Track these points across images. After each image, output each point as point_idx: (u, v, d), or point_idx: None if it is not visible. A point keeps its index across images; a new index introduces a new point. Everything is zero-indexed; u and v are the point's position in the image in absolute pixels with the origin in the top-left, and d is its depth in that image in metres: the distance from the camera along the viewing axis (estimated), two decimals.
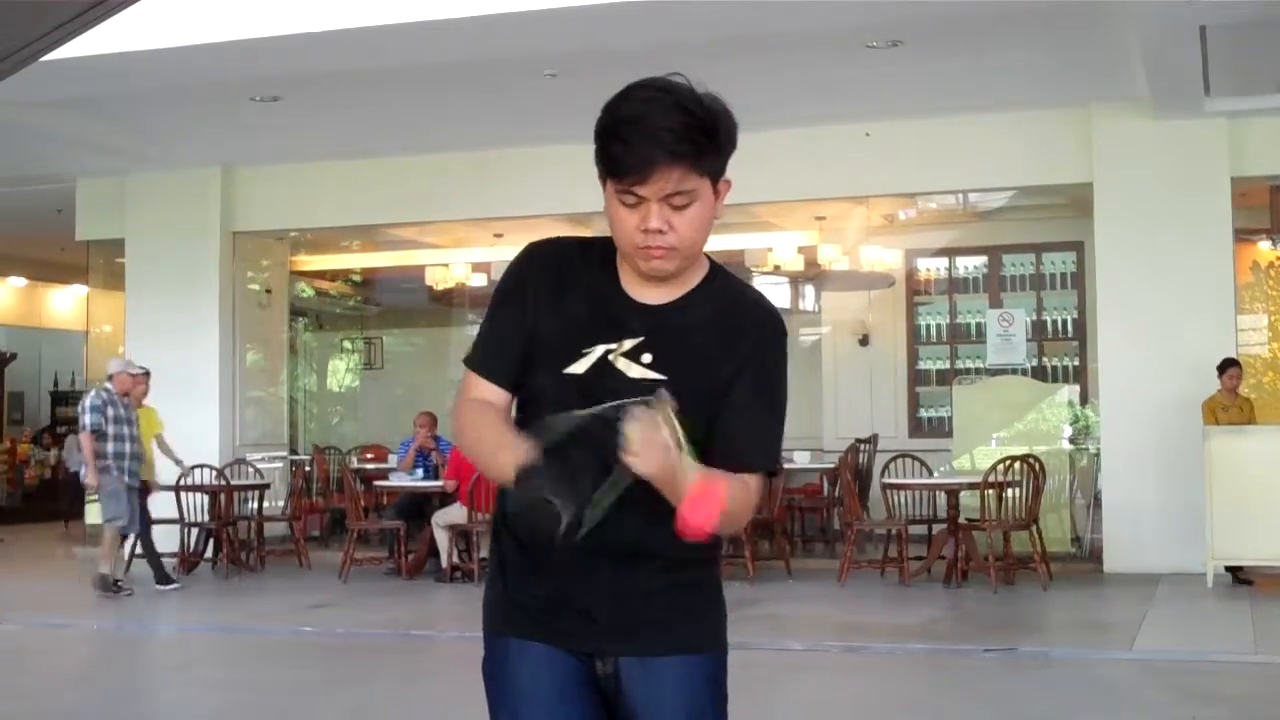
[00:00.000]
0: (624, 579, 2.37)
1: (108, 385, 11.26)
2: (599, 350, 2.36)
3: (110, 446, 11.00)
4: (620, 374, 2.34)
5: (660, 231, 2.28)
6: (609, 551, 2.34)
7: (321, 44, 9.71)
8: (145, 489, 11.56)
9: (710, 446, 2.30)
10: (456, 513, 11.47)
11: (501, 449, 2.25)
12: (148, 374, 12.12)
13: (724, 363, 2.37)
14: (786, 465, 12.28)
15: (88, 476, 11.06)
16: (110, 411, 11.07)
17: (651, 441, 2.13)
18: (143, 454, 11.43)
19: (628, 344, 2.36)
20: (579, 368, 2.35)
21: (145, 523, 11.54)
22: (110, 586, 10.88)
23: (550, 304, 2.40)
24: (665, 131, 2.23)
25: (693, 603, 2.45)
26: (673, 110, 2.25)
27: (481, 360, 2.46)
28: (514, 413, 2.46)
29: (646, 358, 2.35)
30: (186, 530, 12.40)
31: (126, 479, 11.04)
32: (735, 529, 2.45)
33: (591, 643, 2.40)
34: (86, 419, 11.00)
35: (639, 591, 2.39)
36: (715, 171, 2.32)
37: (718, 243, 2.50)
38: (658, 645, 2.40)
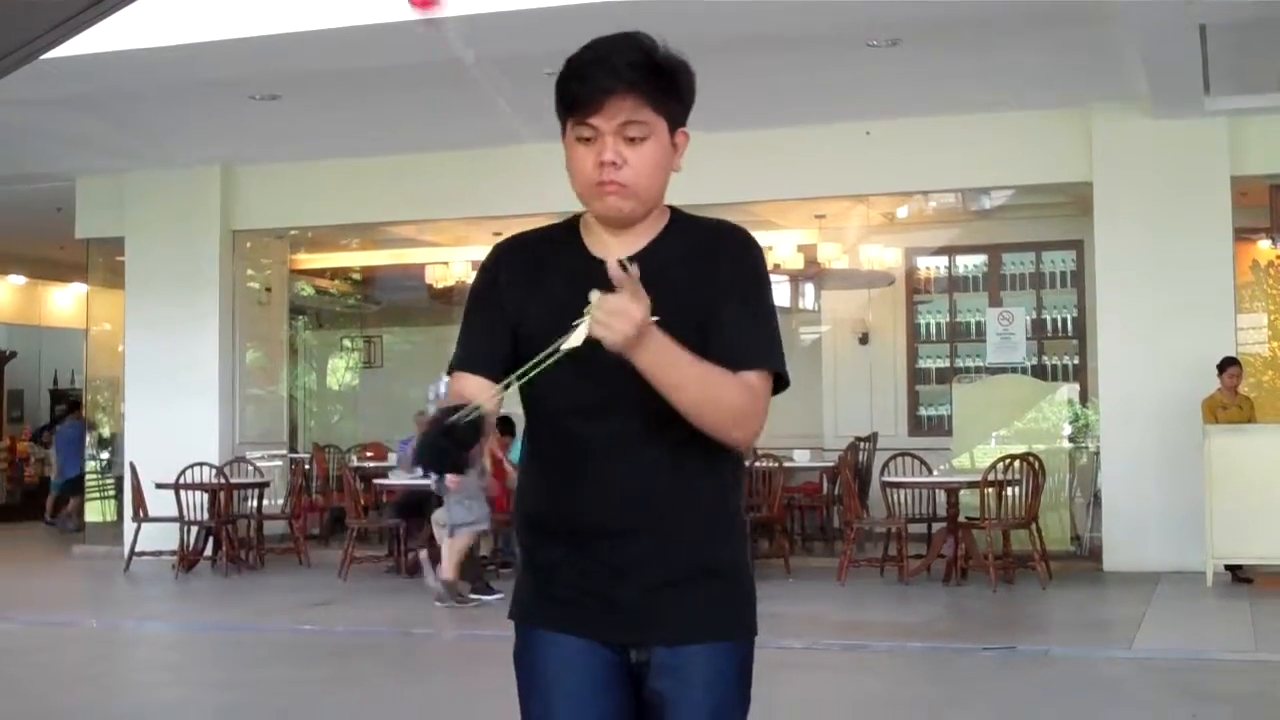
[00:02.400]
0: (653, 567, 2.39)
1: None
2: (587, 319, 2.35)
3: None
4: None
5: (614, 164, 2.32)
6: (638, 541, 2.37)
7: (321, 43, 9.71)
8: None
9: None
10: None
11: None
12: None
13: (706, 292, 2.39)
14: (786, 464, 12.26)
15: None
16: None
17: (618, 310, 2.16)
18: None
19: None
20: (575, 342, 2.33)
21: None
22: (456, 595, 10.06)
23: (527, 293, 2.44)
24: (622, 65, 2.32)
25: (722, 590, 2.44)
26: (630, 48, 2.34)
27: (463, 359, 2.46)
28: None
29: None
30: (186, 528, 12.41)
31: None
32: (739, 428, 2.35)
33: (622, 633, 2.41)
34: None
35: (668, 580, 2.39)
36: (672, 116, 2.37)
37: None
38: (688, 634, 2.41)
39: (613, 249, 2.38)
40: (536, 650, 2.45)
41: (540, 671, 2.45)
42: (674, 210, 2.48)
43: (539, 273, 2.45)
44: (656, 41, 2.37)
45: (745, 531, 2.59)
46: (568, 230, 2.48)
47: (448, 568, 10.21)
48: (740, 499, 2.54)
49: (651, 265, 2.36)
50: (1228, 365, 10.75)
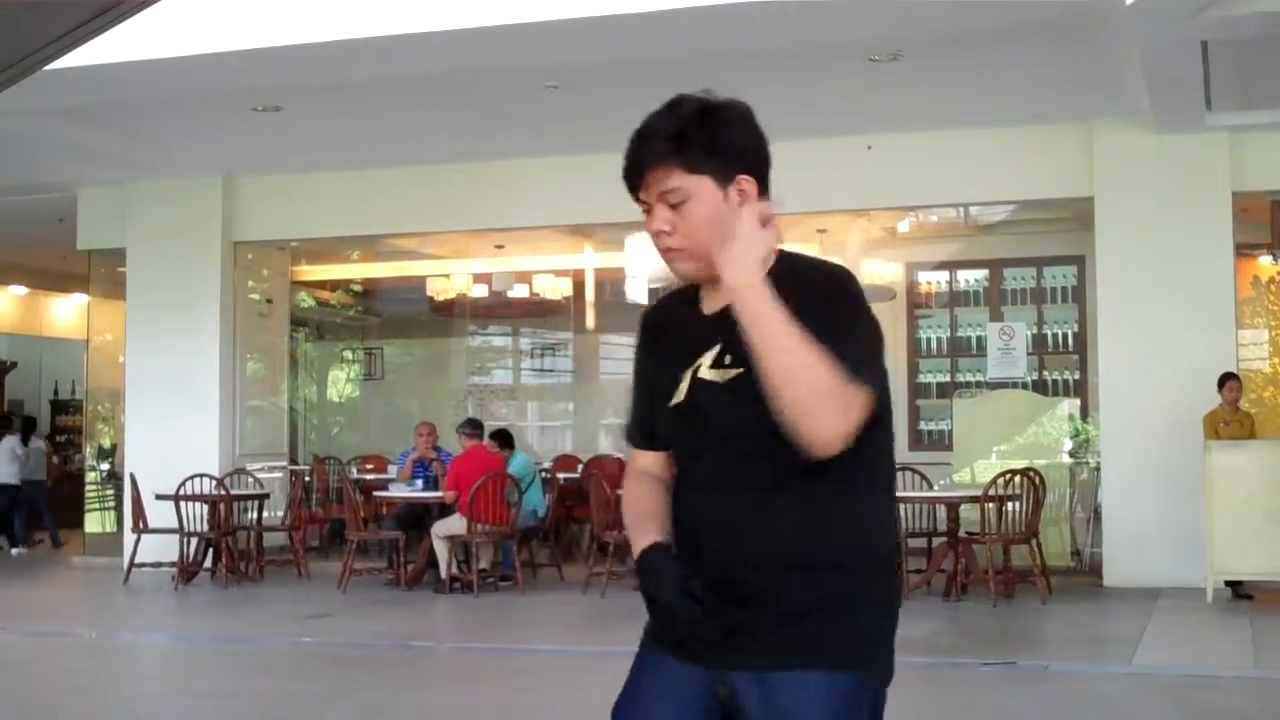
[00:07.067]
0: (735, 600, 2.33)
1: None
2: (688, 374, 2.43)
3: None
4: (711, 384, 2.39)
5: (664, 232, 2.37)
6: (721, 573, 2.34)
7: (323, 54, 9.72)
8: None
9: None
10: (455, 523, 11.45)
11: (634, 535, 2.44)
12: None
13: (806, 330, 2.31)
14: None
15: None
16: None
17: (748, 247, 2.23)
18: None
19: (709, 355, 2.41)
20: (679, 396, 2.44)
21: None
22: None
23: (654, 356, 2.54)
24: (651, 137, 2.35)
25: (824, 615, 2.31)
26: (664, 117, 2.35)
27: (628, 431, 2.63)
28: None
29: (728, 359, 2.38)
30: (186, 540, 12.39)
31: None
32: (822, 415, 2.19)
33: (701, 655, 2.37)
34: None
35: (756, 602, 2.33)
36: (715, 170, 2.35)
37: None
38: (773, 660, 2.31)
39: (716, 301, 2.43)
40: (636, 660, 2.51)
41: (630, 679, 2.50)
42: (784, 254, 2.38)
43: (662, 334, 2.55)
44: (700, 101, 2.37)
45: (868, 564, 2.38)
46: (693, 289, 2.52)
47: None
48: (870, 530, 2.40)
49: None
50: (1226, 380, 10.75)
